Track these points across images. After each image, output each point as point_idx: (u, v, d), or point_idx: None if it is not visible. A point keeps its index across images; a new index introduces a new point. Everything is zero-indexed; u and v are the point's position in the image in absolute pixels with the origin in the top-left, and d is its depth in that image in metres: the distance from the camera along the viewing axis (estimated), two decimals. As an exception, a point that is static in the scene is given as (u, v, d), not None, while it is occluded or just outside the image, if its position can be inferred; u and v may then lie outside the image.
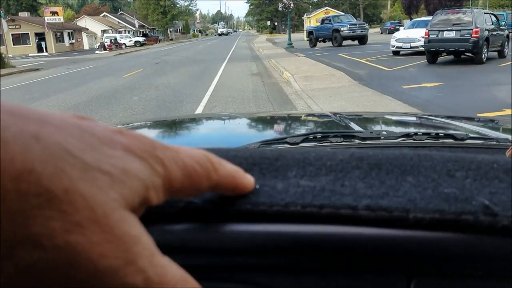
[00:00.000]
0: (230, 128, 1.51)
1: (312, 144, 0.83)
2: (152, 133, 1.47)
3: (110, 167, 0.22)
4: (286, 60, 17.29)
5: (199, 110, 7.82)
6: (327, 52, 21.36)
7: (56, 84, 13.76)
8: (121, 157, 0.23)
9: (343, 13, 35.90)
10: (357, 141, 0.84)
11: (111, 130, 0.25)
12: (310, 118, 1.69)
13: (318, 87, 9.59)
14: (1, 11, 22.04)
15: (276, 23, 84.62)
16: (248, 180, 0.33)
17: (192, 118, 1.97)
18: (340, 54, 19.12)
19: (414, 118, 1.59)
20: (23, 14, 47.40)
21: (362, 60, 15.68)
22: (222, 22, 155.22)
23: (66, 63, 24.78)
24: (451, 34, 12.35)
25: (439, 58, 13.46)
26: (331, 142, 0.84)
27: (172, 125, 1.62)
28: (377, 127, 1.39)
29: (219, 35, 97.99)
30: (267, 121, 1.64)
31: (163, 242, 0.25)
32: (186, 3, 70.05)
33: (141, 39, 52.18)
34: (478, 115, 6.06)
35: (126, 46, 46.26)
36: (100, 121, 0.26)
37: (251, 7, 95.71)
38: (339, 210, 0.32)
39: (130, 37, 51.24)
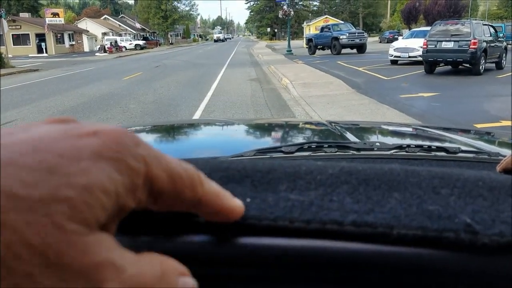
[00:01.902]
0: (227, 134, 1.51)
1: (307, 153, 0.84)
2: (149, 138, 1.48)
3: (68, 190, 0.20)
4: (285, 67, 17.36)
5: (198, 115, 7.84)
6: (326, 60, 21.46)
7: (55, 85, 13.77)
8: (86, 169, 0.22)
9: (342, 22, 36.08)
10: (351, 151, 0.85)
11: (81, 135, 0.23)
12: (306, 126, 1.70)
13: (316, 94, 9.64)
14: (2, 11, 22.04)
15: (276, 30, 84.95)
16: (235, 203, 0.31)
17: (189, 124, 1.98)
18: (338, 62, 19.22)
19: (409, 129, 1.60)
20: (24, 15, 47.47)
21: (360, 69, 15.77)
22: (218, 27, 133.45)
23: (65, 65, 24.79)
24: (450, 45, 12.45)
25: (437, 68, 13.56)
26: (325, 152, 0.85)
27: (170, 130, 1.61)
28: (372, 138, 1.40)
29: (215, 41, 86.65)
30: (264, 128, 1.64)
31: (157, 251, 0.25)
32: (187, 8, 70.28)
33: (141, 42, 52.27)
34: (475, 125, 6.11)
35: (126, 49, 46.32)
36: (83, 121, 0.25)
37: (252, 13, 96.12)
38: (325, 226, 0.33)
39: (130, 40, 51.37)
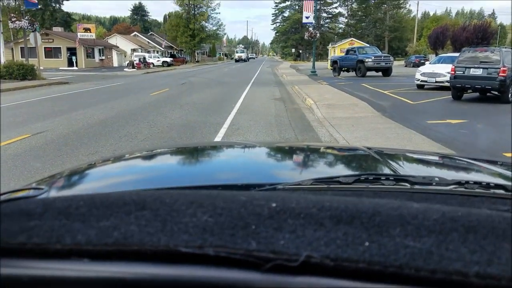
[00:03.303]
0: (274, 160, 1.49)
1: (364, 185, 0.84)
2: (173, 160, 1.48)
3: None
4: (309, 87, 17.43)
5: (222, 131, 7.92)
6: (351, 82, 21.44)
7: (85, 98, 14.17)
8: None
9: (368, 45, 36.10)
10: (408, 185, 0.84)
11: None
12: (346, 151, 1.69)
13: (340, 115, 9.62)
14: (36, 25, 22.95)
15: (300, 51, 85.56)
16: None
17: (228, 146, 1.94)
18: (363, 85, 19.17)
19: (451, 161, 1.57)
20: (57, 29, 49.30)
21: (385, 92, 15.68)
22: (240, 45, 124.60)
23: (95, 79, 25.52)
24: (478, 72, 12.30)
25: (464, 94, 13.38)
26: (383, 184, 0.85)
27: (211, 152, 1.57)
28: (416, 167, 1.38)
29: (236, 61, 78.99)
30: (305, 154, 1.62)
31: None
32: (214, 28, 71.61)
33: (168, 59, 53.43)
34: (504, 155, 5.98)
35: (154, 66, 47.40)
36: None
37: (277, 34, 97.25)
38: (451, 276, 0.34)
39: (158, 57, 52.55)
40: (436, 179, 0.86)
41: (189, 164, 1.38)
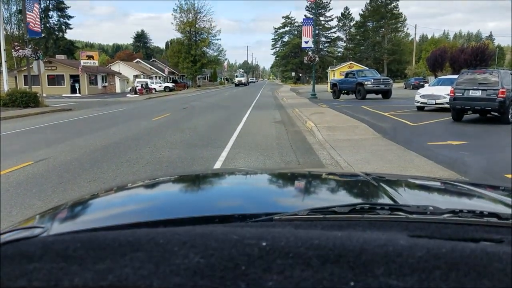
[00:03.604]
0: (267, 187, 1.49)
1: (359, 215, 0.85)
2: (172, 190, 1.49)
3: None
4: (310, 110, 17.54)
5: (224, 155, 7.93)
6: (351, 104, 21.59)
7: (88, 125, 14.28)
8: None
9: (367, 68, 36.57)
10: (403, 214, 0.86)
11: None
12: (345, 178, 1.70)
13: (341, 138, 9.65)
14: (39, 53, 23.35)
15: (300, 74, 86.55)
16: None
17: (227, 173, 1.95)
18: (363, 107, 19.30)
19: (449, 187, 1.56)
20: (60, 57, 50.06)
21: (386, 114, 15.77)
22: (240, 70, 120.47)
23: (98, 105, 25.76)
24: (477, 93, 12.40)
25: (464, 116, 13.45)
26: (378, 214, 0.86)
27: (206, 181, 1.58)
28: (414, 195, 1.39)
29: (236, 85, 77.99)
30: (302, 181, 1.63)
31: None
32: (215, 53, 72.74)
33: (170, 84, 54.07)
34: (506, 176, 5.96)
35: (156, 91, 47.94)
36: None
37: (277, 58, 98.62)
38: None
39: (160, 83, 53.20)
40: (431, 208, 0.87)
41: (187, 194, 1.39)
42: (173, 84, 55.90)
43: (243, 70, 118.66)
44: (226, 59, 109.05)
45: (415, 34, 71.12)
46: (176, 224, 0.80)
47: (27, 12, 23.30)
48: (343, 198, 1.33)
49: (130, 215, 1.05)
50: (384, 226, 0.77)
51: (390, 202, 1.10)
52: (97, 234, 0.64)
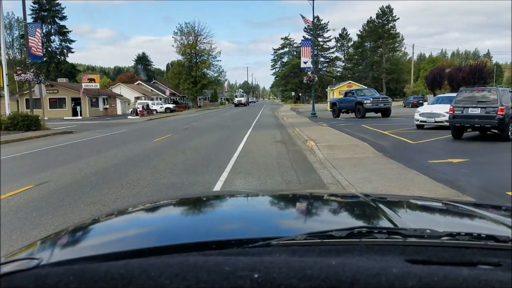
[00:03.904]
0: (265, 210, 1.49)
1: (357, 239, 0.85)
2: (170, 214, 1.49)
3: None
4: (310, 129, 17.60)
5: (224, 175, 7.92)
6: (351, 123, 21.67)
7: (89, 147, 14.32)
8: None
9: (366, 87, 36.84)
10: (401, 238, 0.86)
11: None
12: (343, 199, 1.70)
13: (342, 156, 9.65)
14: (41, 77, 23.59)
15: (300, 94, 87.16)
16: None
17: (226, 195, 1.94)
18: (363, 125, 19.37)
19: (446, 207, 1.56)
20: (62, 80, 50.53)
21: (385, 132, 15.81)
22: (240, 90, 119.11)
23: (99, 127, 25.88)
24: (476, 111, 12.45)
25: (464, 133, 13.48)
26: (375, 238, 0.87)
27: (203, 204, 1.58)
28: (413, 217, 1.39)
29: (236, 105, 77.89)
30: (301, 203, 1.63)
31: None
32: (215, 74, 73.45)
33: (171, 105, 54.46)
34: (508, 193, 5.94)
35: (157, 112, 48.25)
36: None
37: (277, 78, 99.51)
38: None
39: (161, 104, 53.62)
40: (428, 231, 0.87)
41: (186, 218, 1.39)
42: (174, 105, 56.30)
43: (242, 90, 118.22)
44: (226, 80, 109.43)
45: (413, 53, 71.75)
46: (173, 251, 0.81)
47: (29, 36, 23.65)
48: (342, 220, 1.33)
49: (128, 241, 1.05)
50: (381, 250, 0.78)
51: (388, 224, 1.10)
52: (90, 266, 0.65)
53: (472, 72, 44.31)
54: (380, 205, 1.33)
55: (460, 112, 12.77)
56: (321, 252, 0.76)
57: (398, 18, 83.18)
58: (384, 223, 1.15)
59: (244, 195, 1.90)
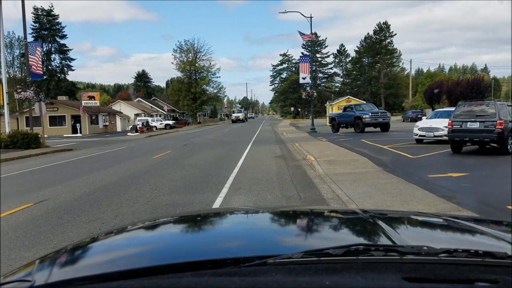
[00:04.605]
0: (263, 228, 1.49)
1: (354, 257, 0.85)
2: (166, 233, 1.49)
3: None
4: (309, 144, 17.62)
5: (224, 191, 7.90)
6: (350, 138, 21.70)
7: (88, 165, 14.30)
8: None
9: (364, 102, 37.03)
10: (397, 255, 0.85)
11: None
12: (342, 216, 1.70)
13: (341, 171, 9.64)
14: (41, 95, 23.71)
15: (299, 109, 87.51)
16: None
17: (225, 213, 1.93)
18: (362, 140, 19.39)
19: (446, 223, 1.56)
20: (62, 98, 50.80)
21: (385, 147, 15.82)
22: (238, 105, 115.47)
23: (98, 144, 25.90)
24: (475, 125, 12.50)
25: (463, 147, 13.49)
26: (372, 255, 0.86)
27: (200, 222, 1.58)
28: (411, 233, 1.39)
29: (233, 121, 74.43)
30: (299, 220, 1.63)
31: None
32: (215, 91, 73.82)
33: (171, 122, 54.61)
34: (508, 207, 5.92)
35: (156, 129, 48.34)
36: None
37: (276, 94, 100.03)
38: None
39: (161, 120, 53.76)
40: (425, 248, 0.87)
41: (183, 236, 1.39)
42: (174, 121, 56.49)
43: (240, 105, 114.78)
44: (225, 96, 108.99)
45: (411, 68, 72.46)
46: (168, 270, 0.80)
47: (29, 55, 23.86)
48: (339, 237, 1.33)
49: (123, 261, 1.06)
50: (378, 268, 0.77)
51: (386, 241, 1.09)
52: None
53: (470, 87, 44.60)
54: (379, 222, 1.32)
55: (459, 126, 12.81)
56: (318, 270, 0.75)
57: (396, 34, 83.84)
58: (381, 240, 1.15)
59: (242, 212, 1.90)
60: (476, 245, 0.99)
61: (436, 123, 16.76)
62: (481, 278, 0.72)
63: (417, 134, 17.21)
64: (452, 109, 15.51)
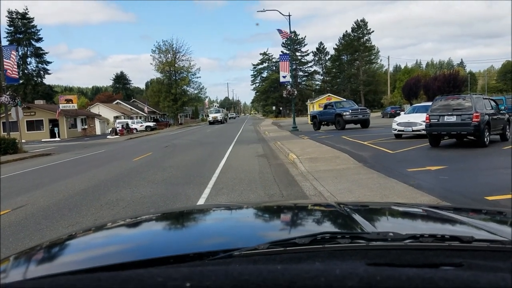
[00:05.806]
0: (237, 221, 1.50)
1: (320, 245, 0.85)
2: (159, 226, 1.49)
3: None
4: (291, 142, 17.68)
5: (207, 192, 7.86)
6: (331, 135, 21.88)
7: (67, 169, 14.04)
8: None
9: (344, 99, 37.39)
10: (364, 242, 0.85)
11: None
12: (315, 208, 1.71)
13: (323, 168, 9.70)
14: (18, 100, 23.18)
15: (281, 108, 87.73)
16: None
17: (199, 210, 1.97)
18: (343, 137, 19.57)
19: (420, 212, 1.58)
20: (39, 102, 49.74)
21: (365, 143, 16.00)
22: (215, 104, 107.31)
23: (77, 148, 25.45)
24: (452, 119, 12.73)
25: (441, 141, 13.73)
26: (338, 243, 0.86)
27: (179, 218, 1.60)
28: (384, 223, 1.39)
29: (210, 123, 65.84)
30: (272, 213, 1.64)
31: None
32: (196, 91, 73.35)
33: (151, 124, 54.06)
34: (486, 198, 6.05)
35: (137, 131, 47.78)
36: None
37: (257, 93, 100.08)
38: None
39: (141, 122, 53.13)
40: (391, 234, 0.87)
41: (151, 233, 1.38)
42: (155, 123, 55.94)
43: (218, 105, 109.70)
44: (207, 97, 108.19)
45: (389, 65, 73.51)
46: (134, 266, 0.79)
47: (4, 59, 23.28)
48: (308, 228, 1.33)
49: (92, 258, 1.05)
50: (343, 256, 0.77)
51: (354, 230, 1.09)
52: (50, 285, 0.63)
53: (447, 81, 45.52)
54: (351, 213, 1.33)
55: (436, 120, 13.03)
56: (283, 260, 0.75)
57: (373, 31, 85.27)
58: (351, 229, 1.15)
59: (223, 208, 1.90)
60: (444, 231, 1.00)
61: (414, 118, 17.03)
62: (446, 262, 0.72)
63: (396, 129, 17.46)
64: (430, 103, 15.78)
